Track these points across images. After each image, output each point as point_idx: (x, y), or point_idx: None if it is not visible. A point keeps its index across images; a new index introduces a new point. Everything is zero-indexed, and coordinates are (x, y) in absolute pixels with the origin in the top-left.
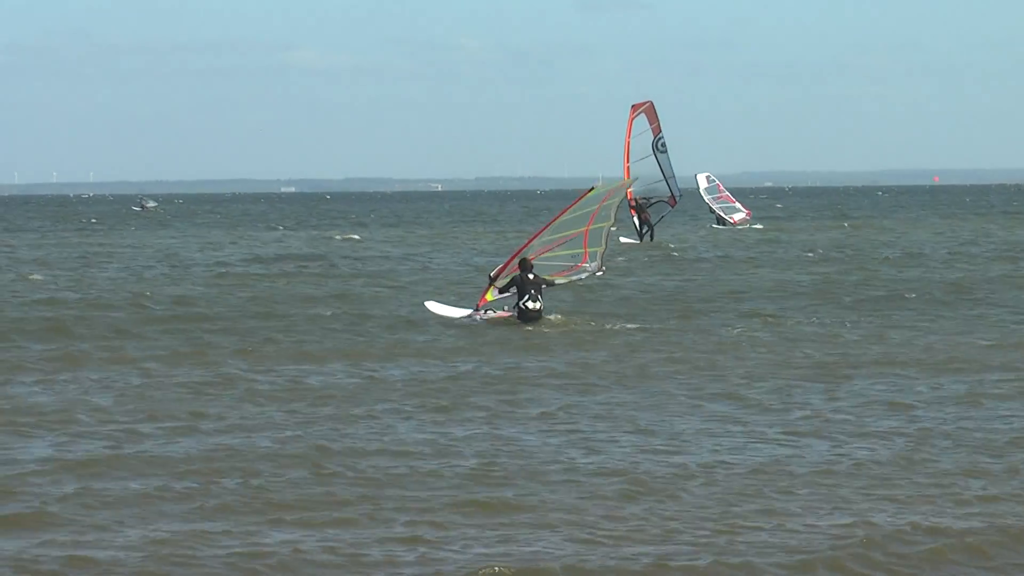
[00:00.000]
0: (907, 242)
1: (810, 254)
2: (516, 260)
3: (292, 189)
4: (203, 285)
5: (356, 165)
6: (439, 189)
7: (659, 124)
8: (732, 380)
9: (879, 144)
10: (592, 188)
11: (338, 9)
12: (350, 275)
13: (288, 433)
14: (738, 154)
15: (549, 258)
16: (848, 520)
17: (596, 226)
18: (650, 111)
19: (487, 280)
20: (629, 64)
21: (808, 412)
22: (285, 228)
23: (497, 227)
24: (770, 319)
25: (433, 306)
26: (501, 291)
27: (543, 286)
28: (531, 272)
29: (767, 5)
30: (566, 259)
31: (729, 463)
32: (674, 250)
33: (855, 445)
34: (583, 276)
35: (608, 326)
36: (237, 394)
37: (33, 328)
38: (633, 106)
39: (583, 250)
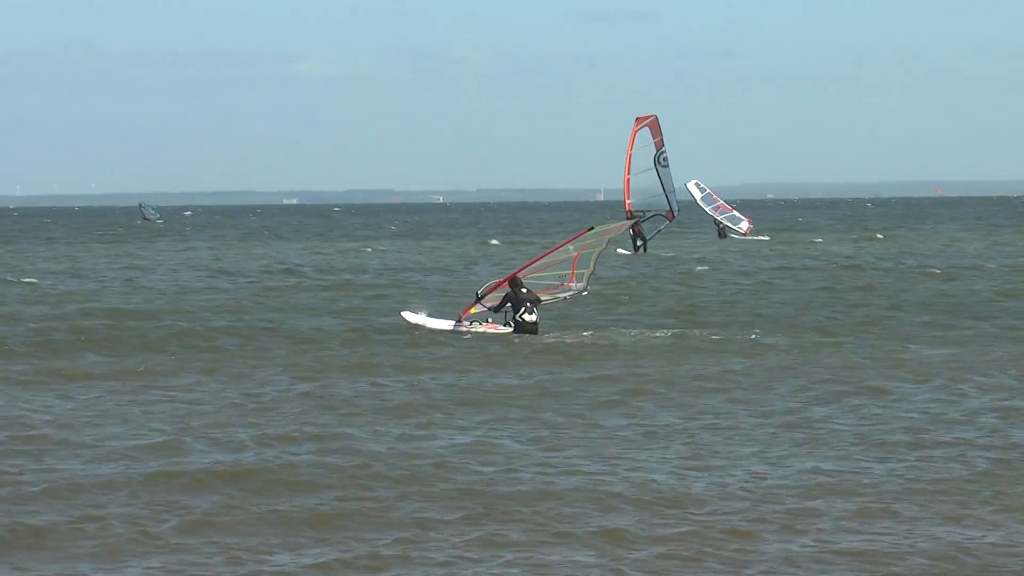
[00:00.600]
0: (983, 253)
1: (936, 271)
2: (507, 281)
3: (294, 201)
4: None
5: (357, 177)
6: (440, 201)
7: (662, 139)
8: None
9: (880, 155)
10: (591, 228)
11: (339, 20)
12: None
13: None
14: (739, 165)
15: (537, 277)
16: None
17: (587, 252)
18: (654, 125)
19: (474, 297)
20: (630, 75)
21: None
22: (315, 239)
23: (542, 237)
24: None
25: (410, 316)
26: (494, 309)
27: (539, 301)
28: (523, 288)
29: (766, 15)
30: (553, 279)
31: None
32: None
33: None
34: (567, 295)
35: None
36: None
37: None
38: (637, 119)
39: (571, 271)
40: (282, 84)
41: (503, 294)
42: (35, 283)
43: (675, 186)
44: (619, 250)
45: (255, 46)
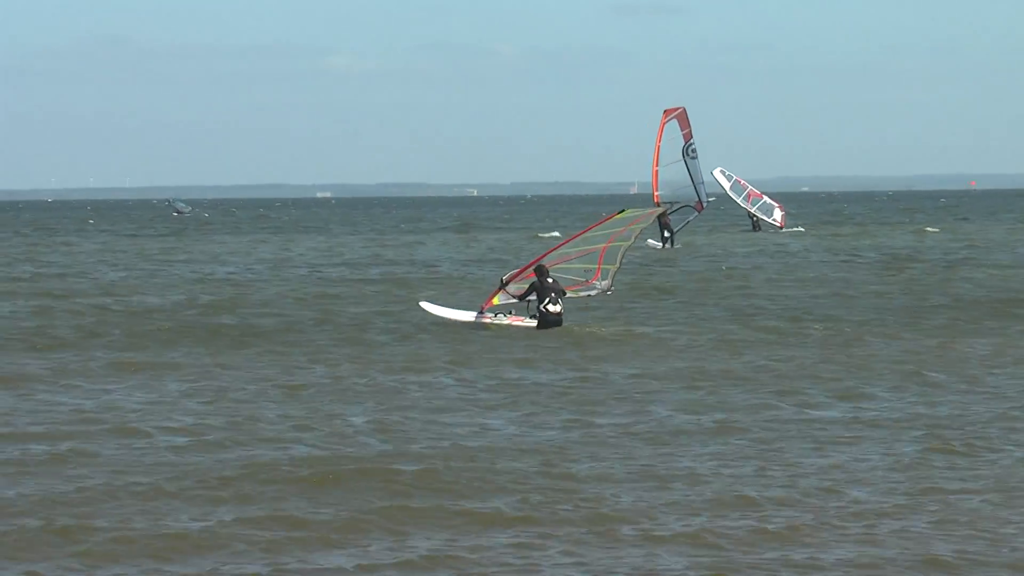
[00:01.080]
0: None
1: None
2: (532, 267)
3: (328, 194)
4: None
5: (390, 170)
6: (474, 194)
7: (691, 130)
8: None
9: (914, 148)
10: (622, 211)
11: (373, 14)
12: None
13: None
14: (774, 159)
15: (563, 270)
16: None
17: (616, 244)
18: (682, 117)
19: (498, 283)
20: (664, 68)
21: None
22: (372, 232)
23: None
24: None
25: (429, 307)
26: (520, 297)
27: (563, 293)
28: (548, 277)
29: (802, 9)
30: (578, 272)
31: None
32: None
33: None
34: (592, 293)
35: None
36: None
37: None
38: (666, 111)
39: (596, 266)
40: (316, 78)
41: (528, 284)
42: (214, 274)
43: (704, 178)
44: (649, 241)
45: (289, 41)
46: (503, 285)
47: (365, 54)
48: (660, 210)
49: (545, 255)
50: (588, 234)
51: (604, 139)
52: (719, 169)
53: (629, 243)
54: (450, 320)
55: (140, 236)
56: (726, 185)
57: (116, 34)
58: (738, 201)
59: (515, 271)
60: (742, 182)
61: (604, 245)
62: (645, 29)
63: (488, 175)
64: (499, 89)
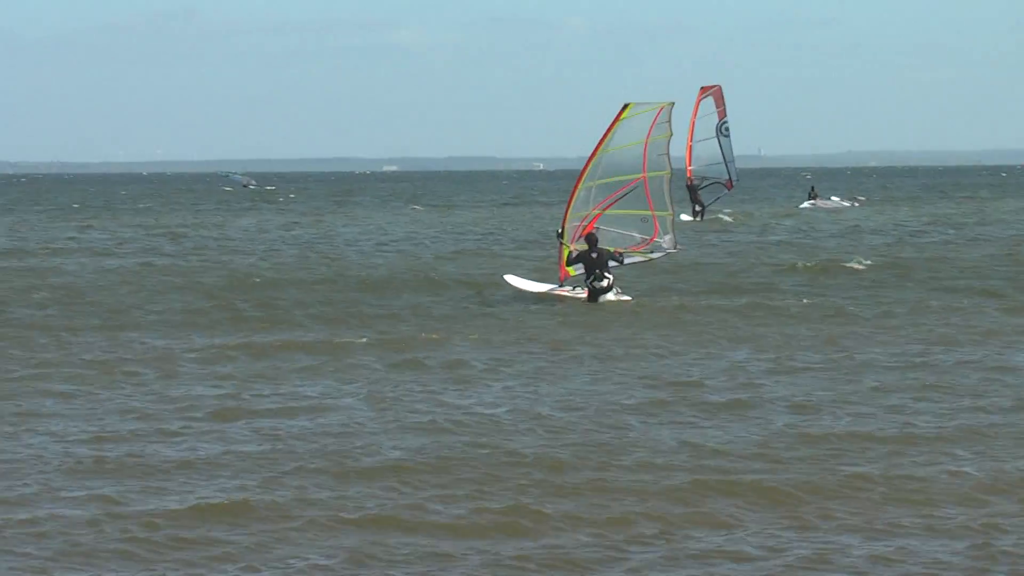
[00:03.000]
0: None
1: None
2: (572, 208)
3: (394, 168)
4: None
5: (457, 144)
6: (541, 168)
7: (725, 108)
8: None
9: (979, 123)
10: (626, 106)
11: None
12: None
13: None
14: (841, 133)
15: (618, 219)
16: None
17: (653, 174)
18: (717, 95)
19: (556, 235)
20: (728, 43)
21: None
22: (487, 205)
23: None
24: None
25: (512, 280)
26: (569, 262)
27: (609, 262)
28: (596, 250)
29: None
30: (636, 224)
31: None
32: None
33: None
34: (658, 255)
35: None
36: None
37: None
38: (702, 88)
39: (650, 212)
40: (384, 52)
41: (578, 253)
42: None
43: (734, 155)
44: (682, 216)
45: (358, 14)
46: (560, 235)
47: (433, 28)
48: (669, 104)
49: (595, 209)
50: (611, 150)
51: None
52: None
53: (667, 172)
54: (532, 293)
55: (256, 211)
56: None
57: (184, 7)
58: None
59: (564, 216)
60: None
61: (643, 176)
62: (708, 4)
63: (555, 149)
64: (566, 62)
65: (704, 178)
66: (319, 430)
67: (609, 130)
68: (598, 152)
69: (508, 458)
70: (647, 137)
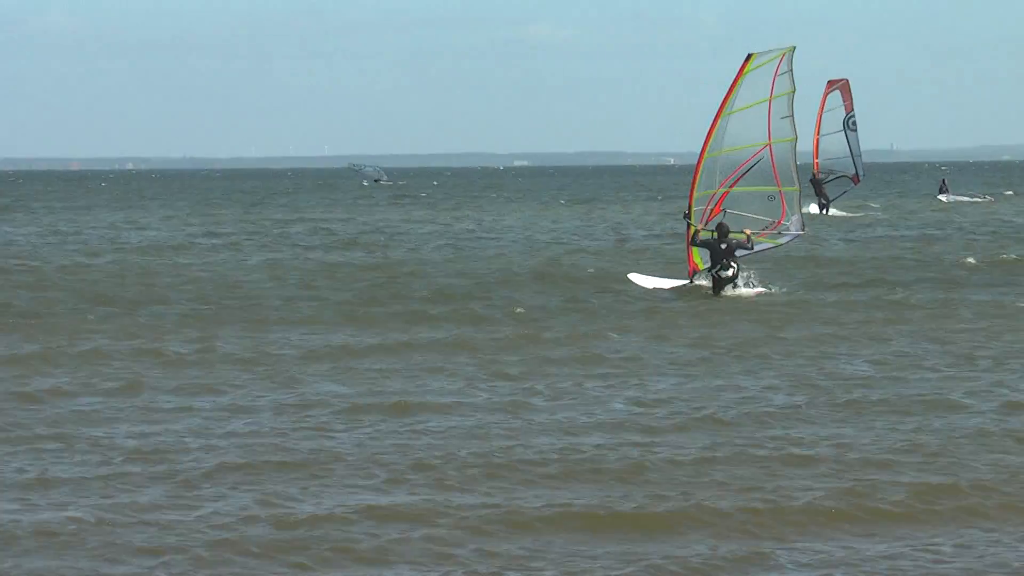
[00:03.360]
0: None
1: None
2: (697, 187)
3: (525, 163)
4: None
5: (587, 139)
6: (672, 163)
7: (852, 102)
8: None
9: None
10: (750, 57)
11: None
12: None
13: None
14: (974, 127)
15: (744, 199)
16: None
17: (778, 141)
18: (845, 88)
19: (683, 217)
20: (864, 37)
21: None
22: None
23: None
24: None
25: (637, 278)
26: (697, 245)
27: (737, 251)
28: (725, 240)
29: None
30: (763, 204)
31: None
32: None
33: None
34: (786, 239)
35: None
36: None
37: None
38: (829, 81)
39: (777, 189)
40: (515, 47)
41: (706, 240)
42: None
43: (863, 150)
44: (811, 207)
45: (489, 10)
46: (687, 216)
47: (564, 23)
48: (790, 49)
49: (720, 188)
50: (731, 122)
51: (802, 108)
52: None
53: (792, 139)
54: (661, 289)
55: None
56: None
57: (315, 5)
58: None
59: (690, 190)
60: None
61: (767, 145)
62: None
63: (686, 144)
64: (698, 57)
65: (831, 172)
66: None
67: (733, 86)
68: (721, 116)
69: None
70: (770, 94)
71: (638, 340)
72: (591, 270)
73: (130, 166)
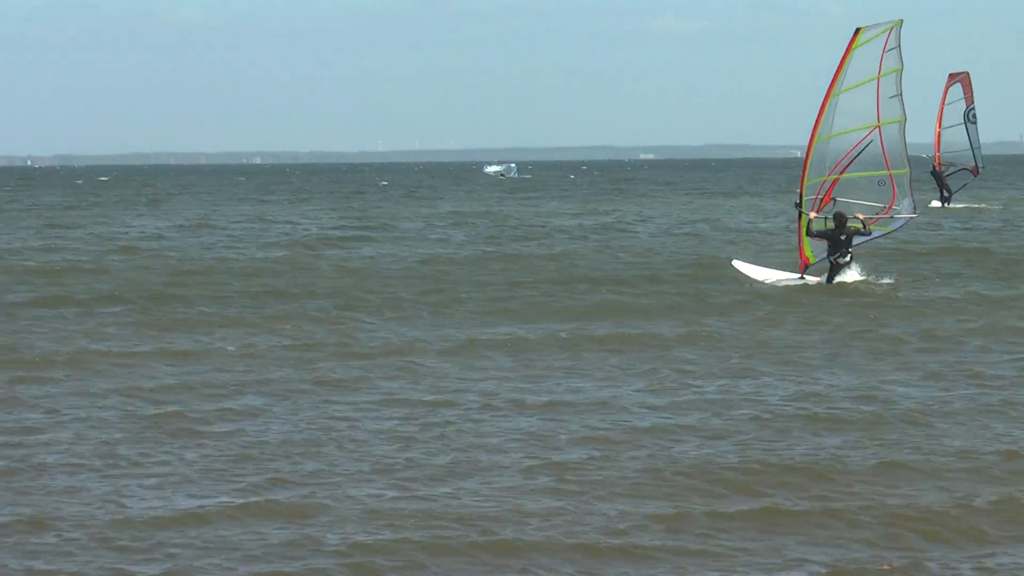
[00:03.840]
0: None
1: None
2: (808, 173)
3: (651, 156)
4: None
5: (713, 131)
6: (799, 156)
7: (972, 95)
8: None
9: None
10: (858, 31)
11: None
12: None
13: None
14: None
15: (854, 185)
16: None
17: (887, 123)
18: (966, 81)
19: (795, 206)
20: (994, 27)
21: None
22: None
23: None
24: None
25: (741, 265)
26: (812, 235)
27: (854, 238)
28: (844, 230)
29: None
30: (873, 190)
31: None
32: None
33: None
34: (898, 224)
35: None
36: None
37: None
38: (950, 75)
39: (887, 173)
40: (641, 39)
41: (826, 231)
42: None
43: (986, 142)
44: (933, 202)
45: (615, 1)
46: (799, 206)
47: (690, 14)
48: (898, 21)
49: (832, 174)
50: (840, 102)
51: (925, 100)
52: None
53: (901, 120)
54: (764, 280)
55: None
56: None
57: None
58: None
59: (806, 197)
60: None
61: (875, 126)
62: None
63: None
64: (825, 49)
65: (951, 164)
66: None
67: (842, 62)
68: (831, 95)
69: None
70: (879, 72)
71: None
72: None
73: (257, 160)
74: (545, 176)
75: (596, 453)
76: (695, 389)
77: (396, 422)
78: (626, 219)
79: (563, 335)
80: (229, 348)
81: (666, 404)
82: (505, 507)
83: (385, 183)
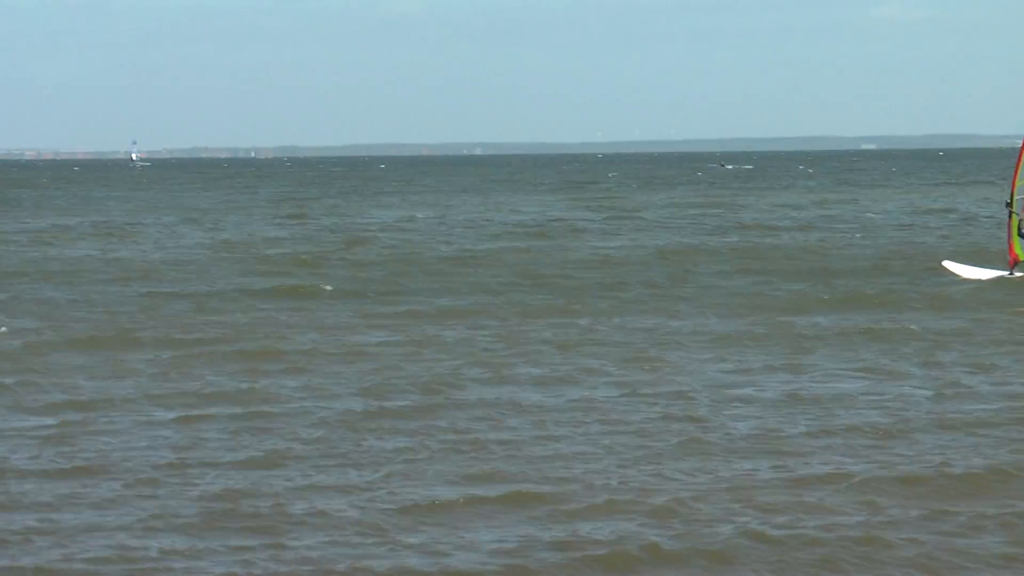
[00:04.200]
0: None
1: None
2: (1021, 172)
3: (872, 147)
4: None
5: (935, 121)
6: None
7: None
8: None
9: None
10: None
11: None
12: None
13: None
14: None
15: None
16: None
17: None
18: None
19: (1004, 205)
20: None
21: None
22: None
23: None
24: None
25: (953, 266)
26: (1022, 234)
27: None
28: None
29: None
30: None
31: None
32: None
33: None
34: None
35: None
36: None
37: None
38: None
39: None
40: (861, 28)
41: None
42: None
43: None
44: None
45: None
46: (1008, 206)
47: (913, 3)
48: None
49: None
50: None
51: None
52: None
53: None
54: (979, 279)
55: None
56: None
57: None
58: None
59: (1017, 197)
60: None
61: None
62: None
63: None
64: None
65: None
66: None
67: None
68: None
69: None
70: None
71: None
72: None
73: (479, 151)
74: (766, 166)
75: None
76: None
77: None
78: (872, 209)
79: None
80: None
81: None
82: None
83: (614, 174)
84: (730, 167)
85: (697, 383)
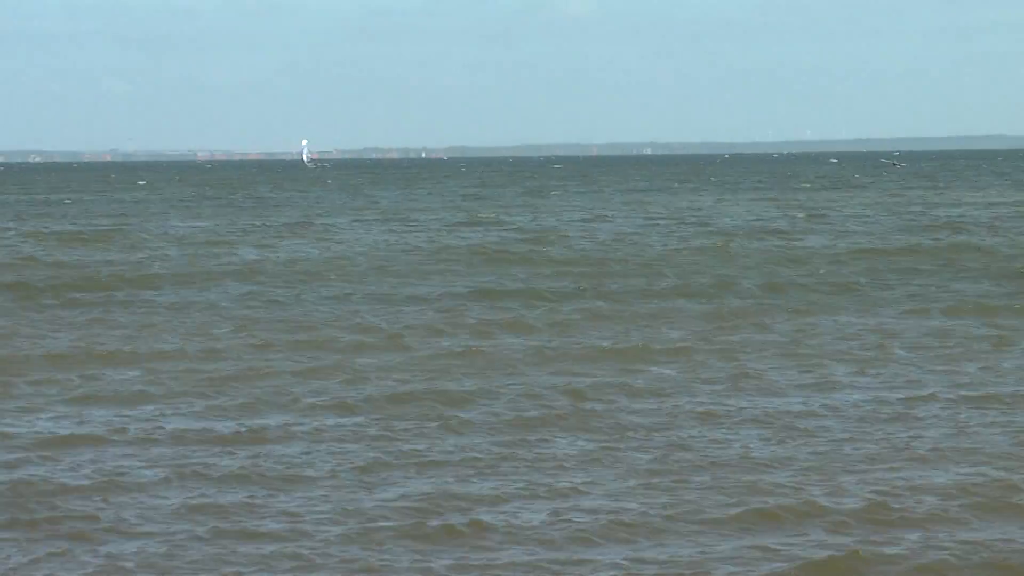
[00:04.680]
0: None
1: None
2: None
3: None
4: None
5: None
6: None
7: None
8: None
9: None
10: None
11: None
12: None
13: None
14: None
15: None
16: None
17: None
18: None
19: None
20: None
21: None
22: None
23: None
24: None
25: None
26: None
27: None
28: None
29: None
30: None
31: None
32: None
33: None
34: None
35: None
36: None
37: None
38: None
39: None
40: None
41: None
42: None
43: None
44: None
45: None
46: None
47: None
48: None
49: None
50: None
51: None
52: None
53: None
54: None
55: None
56: None
57: None
58: None
59: None
60: None
61: None
62: None
63: None
64: None
65: None
66: None
67: None
68: None
69: None
70: None
71: None
72: None
73: (648, 151)
74: (943, 166)
75: None
76: None
77: None
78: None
79: None
80: None
81: None
82: None
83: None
84: (904, 166)
85: None
